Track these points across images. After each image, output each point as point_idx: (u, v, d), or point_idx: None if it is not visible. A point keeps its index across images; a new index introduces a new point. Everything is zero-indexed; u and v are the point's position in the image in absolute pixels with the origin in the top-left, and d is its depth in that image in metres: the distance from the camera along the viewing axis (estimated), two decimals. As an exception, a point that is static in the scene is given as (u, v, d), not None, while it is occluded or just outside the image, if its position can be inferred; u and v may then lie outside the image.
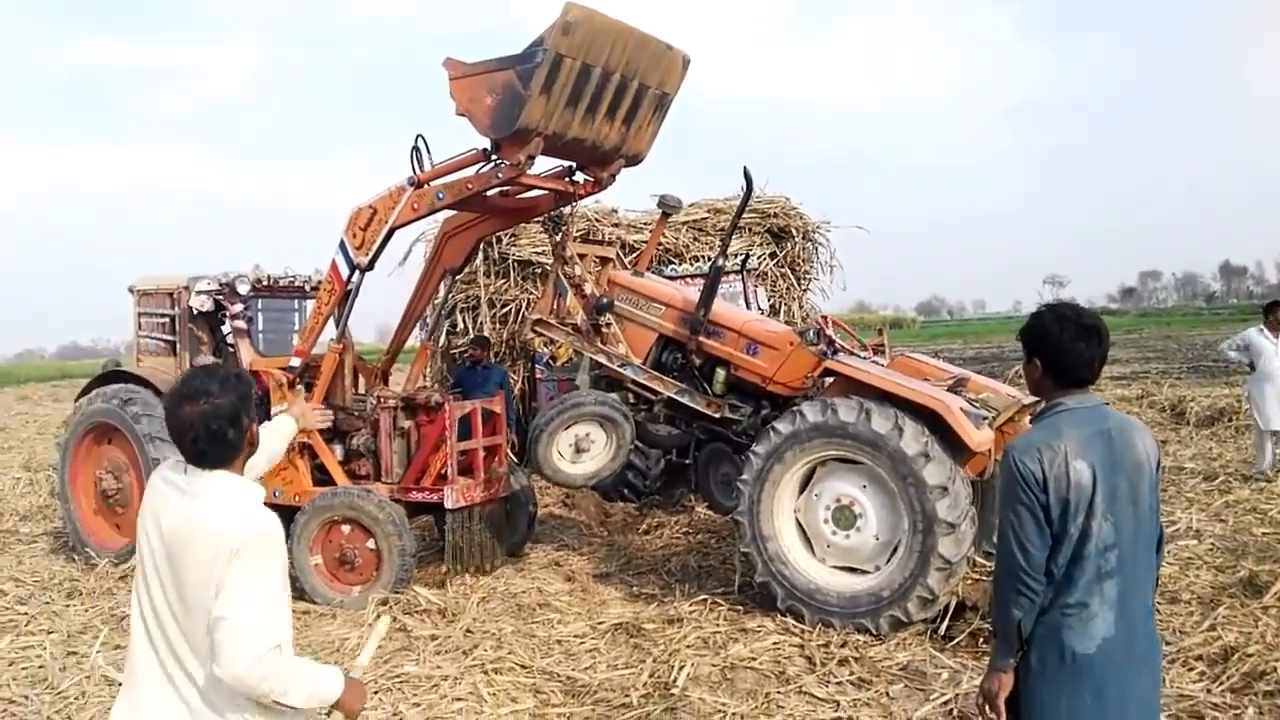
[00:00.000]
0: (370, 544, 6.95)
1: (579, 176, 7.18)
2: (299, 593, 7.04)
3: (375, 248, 7.00)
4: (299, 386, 7.57)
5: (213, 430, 2.44)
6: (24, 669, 5.85)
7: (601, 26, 6.08)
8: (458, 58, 6.23)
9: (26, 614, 6.93)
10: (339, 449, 7.70)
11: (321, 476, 7.58)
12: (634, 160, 7.16)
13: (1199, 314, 78.58)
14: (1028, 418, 6.35)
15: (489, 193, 6.93)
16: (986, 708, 2.80)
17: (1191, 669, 5.02)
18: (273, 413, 7.52)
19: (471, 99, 6.14)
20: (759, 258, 11.22)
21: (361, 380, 8.20)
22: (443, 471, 7.19)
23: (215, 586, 2.33)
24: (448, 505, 7.05)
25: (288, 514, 7.22)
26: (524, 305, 11.03)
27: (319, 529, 7.07)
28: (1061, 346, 2.74)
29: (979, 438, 5.94)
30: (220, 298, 8.22)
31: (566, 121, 6.25)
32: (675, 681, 5.19)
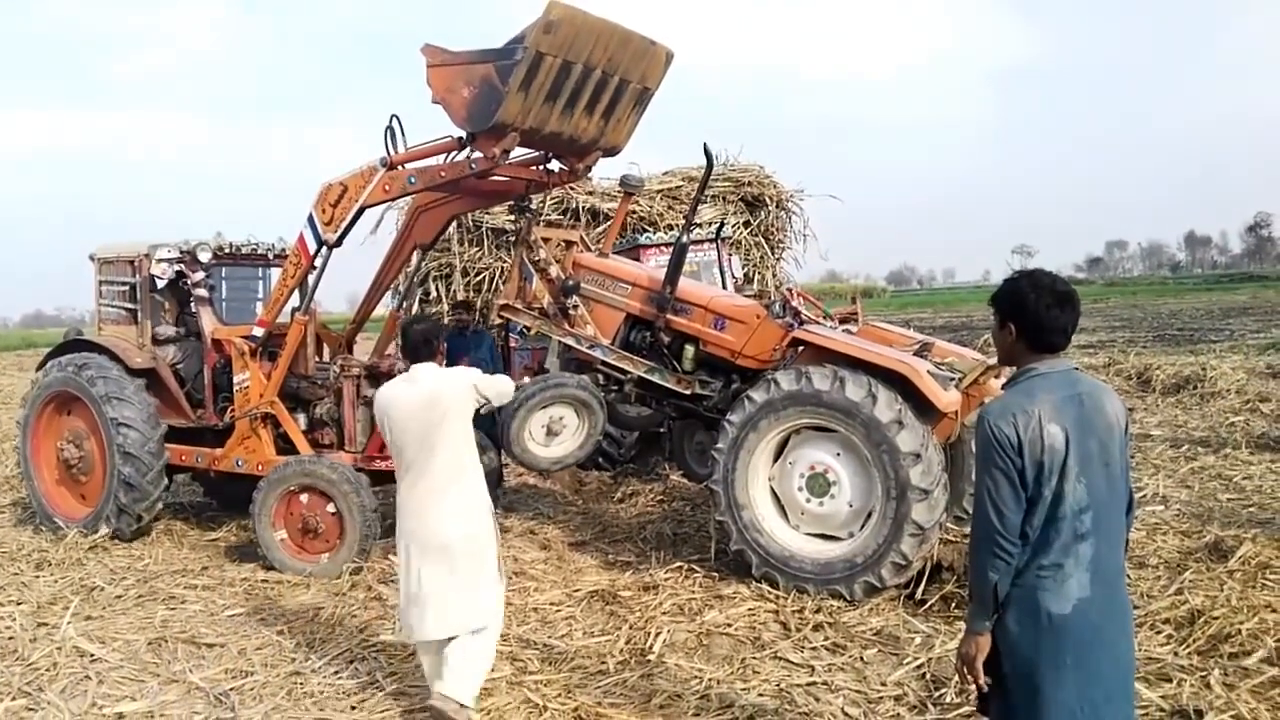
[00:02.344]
0: (330, 508, 6.92)
1: (554, 165, 7.16)
2: (268, 565, 7.04)
3: (344, 225, 6.97)
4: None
5: (425, 339, 4.57)
6: (-8, 640, 5.78)
7: (584, 25, 6.03)
8: (436, 44, 6.15)
9: (-6, 585, 6.85)
10: (302, 418, 7.65)
11: (285, 446, 7.54)
12: (611, 152, 7.17)
13: (1164, 283, 79.76)
14: (993, 379, 6.43)
15: None
16: (965, 671, 2.85)
17: (1159, 632, 5.11)
18: (235, 381, 7.52)
19: (448, 89, 6.07)
20: (733, 226, 11.19)
21: (326, 348, 8.13)
22: None
23: (473, 405, 4.47)
24: None
25: (250, 483, 7.25)
26: (498, 273, 10.96)
27: (277, 503, 7.03)
28: (1039, 313, 2.78)
29: (947, 399, 6.00)
30: (181, 266, 8.10)
31: (544, 117, 6.23)
32: (651, 648, 5.22)
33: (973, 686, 2.90)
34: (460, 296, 11.02)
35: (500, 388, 4.62)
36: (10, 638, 5.79)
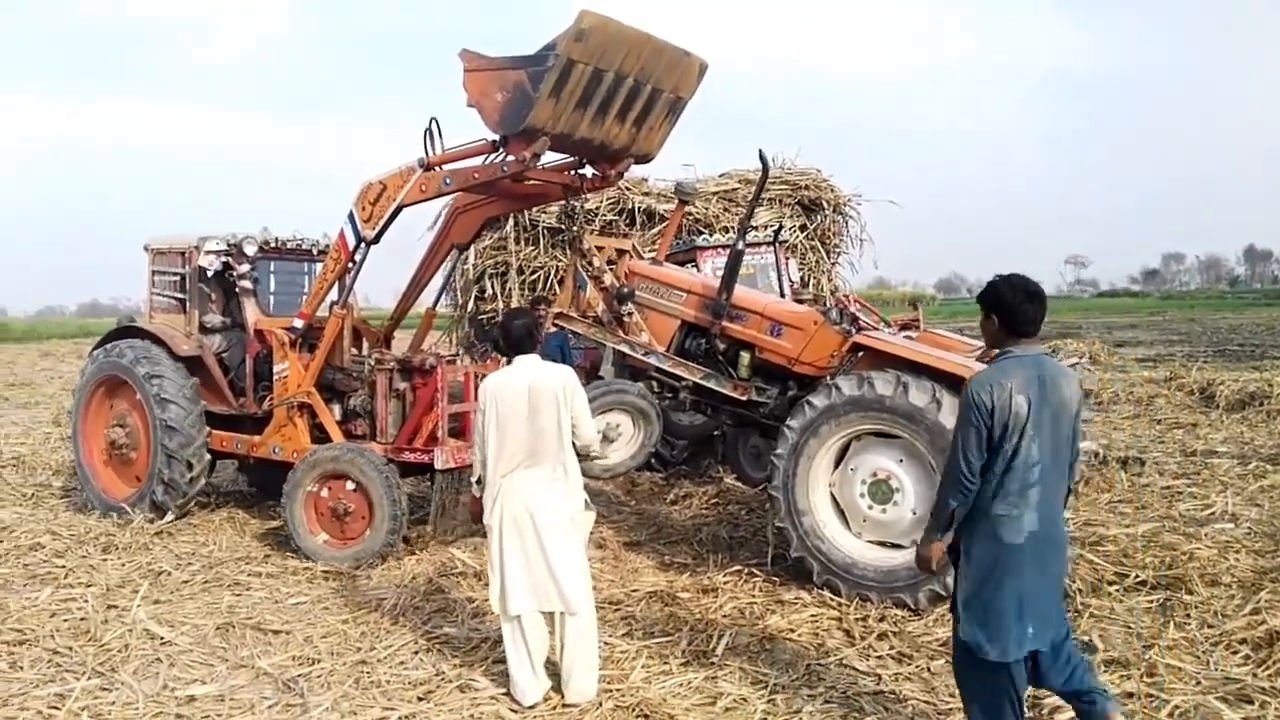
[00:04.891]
0: (349, 485, 7.07)
1: (587, 171, 7.26)
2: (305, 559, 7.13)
3: (382, 223, 7.18)
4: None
5: (528, 332, 4.75)
6: (65, 621, 5.89)
7: (616, 34, 6.09)
8: (474, 49, 6.27)
9: (64, 567, 7.00)
10: (337, 408, 7.83)
11: (320, 435, 7.72)
12: (643, 159, 7.25)
13: (1222, 298, 77.83)
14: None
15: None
16: (924, 567, 3.82)
17: (1236, 652, 4.99)
18: (274, 370, 7.79)
19: (483, 93, 6.21)
20: (790, 230, 11.13)
21: (365, 342, 8.29)
22: (434, 433, 7.25)
23: (567, 404, 4.60)
24: (437, 465, 7.13)
25: (287, 470, 7.45)
26: (553, 272, 11.00)
27: (303, 510, 7.19)
28: (1014, 306, 3.61)
29: None
30: (228, 258, 8.35)
31: (575, 123, 6.34)
32: (715, 650, 5.21)
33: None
34: (515, 295, 11.09)
35: (586, 422, 4.72)
36: (82, 618, 5.91)
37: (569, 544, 4.65)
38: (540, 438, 4.59)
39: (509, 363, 4.77)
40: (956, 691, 4.64)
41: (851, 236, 11.92)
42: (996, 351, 3.75)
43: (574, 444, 4.72)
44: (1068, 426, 3.59)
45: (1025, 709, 3.76)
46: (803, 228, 11.34)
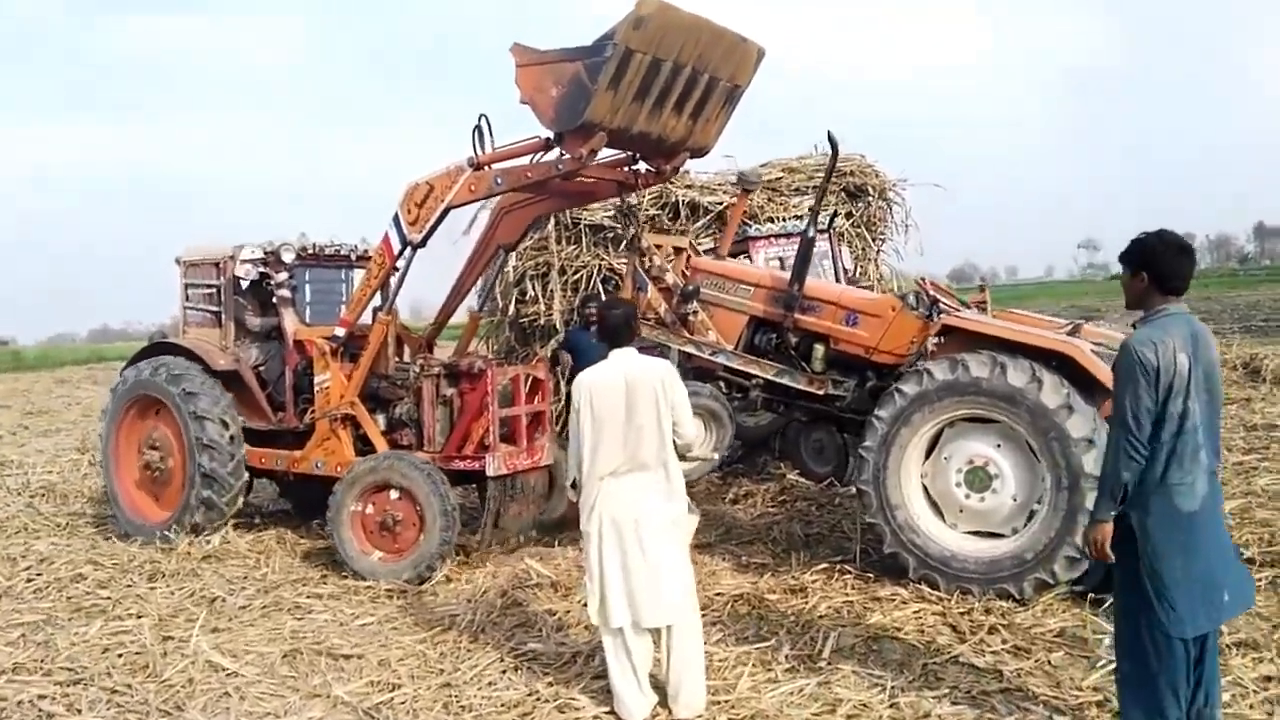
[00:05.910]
0: (393, 494, 6.79)
1: (640, 166, 6.99)
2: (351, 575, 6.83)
3: (429, 225, 6.88)
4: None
5: (627, 322, 4.48)
6: (120, 656, 5.54)
7: (674, 21, 5.85)
8: (525, 43, 5.97)
9: (110, 598, 6.64)
10: (381, 418, 7.53)
11: (364, 447, 7.43)
12: (699, 152, 6.98)
13: (1234, 275, 77.31)
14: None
15: None
16: (1096, 551, 3.50)
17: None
18: (316, 381, 7.52)
19: (537, 88, 5.92)
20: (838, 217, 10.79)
21: (406, 349, 8.02)
22: (484, 439, 6.95)
23: (667, 400, 4.28)
24: (489, 473, 6.84)
25: (327, 485, 7.17)
26: (595, 272, 10.67)
27: (351, 532, 6.88)
28: (1168, 262, 3.47)
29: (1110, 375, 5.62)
30: (265, 267, 8.06)
31: (632, 116, 6.07)
32: (821, 653, 4.89)
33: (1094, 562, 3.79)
34: (557, 296, 10.74)
35: (688, 419, 4.41)
36: (138, 652, 5.56)
37: (671, 550, 4.35)
38: (639, 436, 4.27)
39: (603, 356, 4.48)
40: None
41: (896, 223, 11.56)
42: (1143, 312, 3.58)
43: (675, 443, 4.39)
44: (1218, 385, 3.53)
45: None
46: (848, 215, 10.99)
